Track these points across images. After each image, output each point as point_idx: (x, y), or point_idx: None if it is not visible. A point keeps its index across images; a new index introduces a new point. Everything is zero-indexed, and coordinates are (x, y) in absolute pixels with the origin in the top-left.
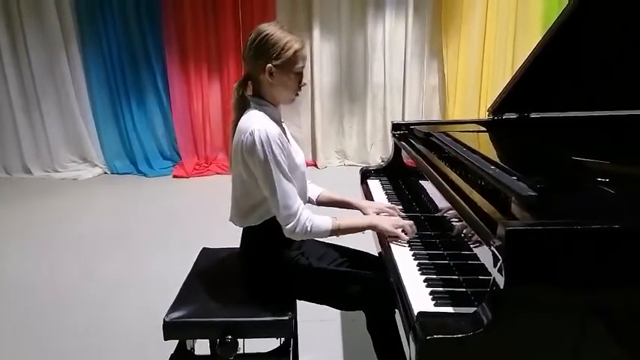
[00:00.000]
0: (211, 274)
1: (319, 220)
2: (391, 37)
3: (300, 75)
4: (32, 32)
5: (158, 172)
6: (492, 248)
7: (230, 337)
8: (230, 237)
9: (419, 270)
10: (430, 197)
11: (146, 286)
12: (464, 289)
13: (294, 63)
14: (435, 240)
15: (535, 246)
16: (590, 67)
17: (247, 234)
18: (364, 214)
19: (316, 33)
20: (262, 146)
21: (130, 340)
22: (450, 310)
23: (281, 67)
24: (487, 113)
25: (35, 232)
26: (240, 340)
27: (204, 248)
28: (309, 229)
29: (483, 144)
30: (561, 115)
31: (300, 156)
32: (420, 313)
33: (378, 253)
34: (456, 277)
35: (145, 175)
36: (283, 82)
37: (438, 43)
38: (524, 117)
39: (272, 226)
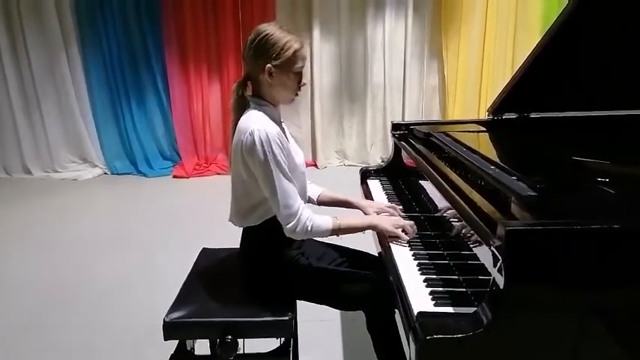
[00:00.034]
0: (211, 274)
1: (320, 219)
2: (391, 37)
3: (299, 75)
4: (32, 33)
5: (158, 173)
6: (492, 248)
7: (230, 337)
8: (230, 237)
9: (419, 270)
10: (430, 197)
11: (146, 286)
12: (464, 289)
13: (293, 63)
14: (434, 240)
15: (535, 246)
16: (589, 67)
17: (247, 234)
18: (365, 213)
19: (316, 33)
20: (262, 146)
21: (130, 341)
22: (449, 310)
23: (280, 67)
24: (487, 113)
25: (35, 233)
26: (240, 340)
27: (204, 248)
28: (309, 228)
29: (483, 144)
30: (561, 115)
31: (299, 156)
32: (420, 313)
33: (378, 253)
34: (456, 277)
35: (144, 175)
36: (283, 82)
37: (437, 44)
38: (524, 117)
39: (272, 226)
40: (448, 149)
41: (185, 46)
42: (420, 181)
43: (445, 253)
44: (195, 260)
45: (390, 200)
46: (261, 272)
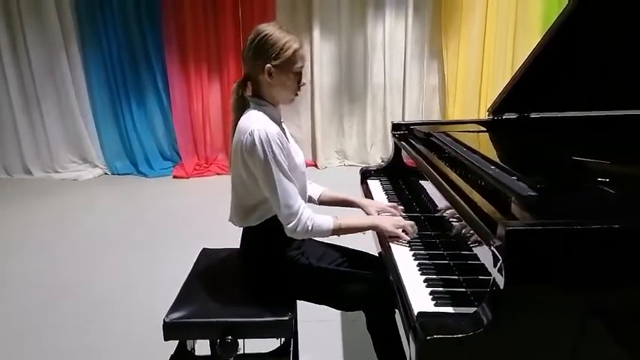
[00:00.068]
0: (211, 275)
1: (320, 219)
2: (391, 37)
3: (299, 75)
4: (32, 32)
5: (158, 173)
6: (492, 248)
7: (230, 337)
8: (230, 237)
9: (419, 270)
10: (430, 197)
11: (146, 286)
12: (464, 289)
13: (293, 63)
14: (435, 240)
15: (535, 246)
16: (589, 67)
17: (247, 234)
18: (366, 212)
19: (316, 33)
20: (262, 146)
21: (130, 341)
22: (450, 310)
23: (280, 67)
24: (487, 113)
25: (35, 233)
26: (240, 341)
27: (204, 249)
28: (310, 228)
29: (483, 144)
30: (561, 115)
31: (299, 156)
32: (420, 313)
33: (378, 253)
34: (456, 277)
35: (145, 175)
36: (282, 82)
37: (437, 44)
38: (524, 117)
39: (272, 226)
40: (448, 149)
41: (185, 45)
42: (420, 181)
43: (445, 253)
44: (195, 260)
45: (390, 200)
46: (261, 272)
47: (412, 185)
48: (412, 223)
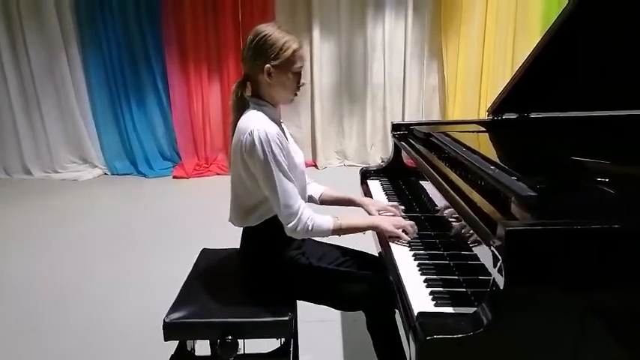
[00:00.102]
0: (211, 275)
1: (320, 219)
2: (391, 37)
3: (298, 75)
4: (32, 33)
5: (158, 173)
6: (492, 248)
7: (230, 337)
8: (230, 237)
9: (419, 270)
10: (430, 197)
11: (146, 286)
12: (464, 290)
13: (292, 63)
14: (435, 240)
15: (535, 246)
16: (589, 67)
17: (247, 234)
18: (367, 211)
19: (316, 33)
20: (262, 146)
21: (130, 341)
22: (450, 310)
23: (279, 67)
24: (487, 113)
25: (35, 233)
26: (240, 341)
27: (204, 249)
28: (310, 227)
29: (483, 144)
30: (561, 115)
31: (299, 156)
32: (420, 314)
33: (378, 253)
34: (456, 277)
35: (144, 175)
36: (282, 82)
37: (437, 44)
38: (524, 117)
39: (272, 226)
40: (448, 149)
41: (185, 46)
42: (420, 182)
43: (445, 253)
44: (195, 261)
45: (390, 200)
46: (261, 272)
47: (412, 185)
48: (412, 223)
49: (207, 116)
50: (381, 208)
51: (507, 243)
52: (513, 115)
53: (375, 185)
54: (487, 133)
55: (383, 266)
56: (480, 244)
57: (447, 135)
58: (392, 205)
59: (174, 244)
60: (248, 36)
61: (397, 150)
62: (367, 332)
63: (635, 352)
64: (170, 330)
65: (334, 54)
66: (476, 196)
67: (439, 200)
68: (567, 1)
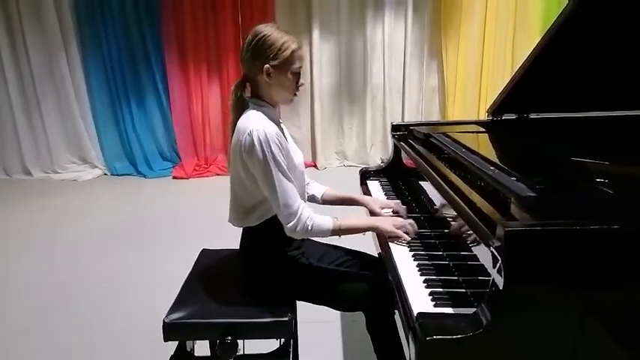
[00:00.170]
0: (211, 275)
1: (320, 219)
2: (390, 37)
3: (297, 75)
4: (32, 33)
5: (158, 174)
6: (492, 249)
7: (230, 338)
8: (229, 238)
9: (418, 271)
10: (430, 198)
11: (146, 287)
12: (463, 290)
13: (291, 63)
14: (434, 240)
15: (534, 246)
16: (589, 67)
17: (246, 234)
18: (370, 209)
19: (315, 34)
20: (261, 146)
21: (130, 342)
22: (449, 310)
23: (278, 68)
24: (486, 114)
25: (35, 234)
26: (240, 341)
27: (203, 249)
28: (309, 227)
29: (483, 145)
30: (560, 115)
31: (298, 156)
32: (420, 314)
33: (378, 254)
34: (456, 277)
35: (144, 176)
36: (281, 83)
37: (437, 44)
38: (524, 118)
39: (271, 227)
40: (448, 150)
41: (185, 46)
42: (419, 182)
43: (445, 253)
44: (194, 261)
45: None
46: (260, 273)
47: (412, 186)
48: (412, 221)
49: (207, 117)
50: (383, 205)
51: (507, 243)
52: (513, 116)
53: (374, 186)
54: (487, 134)
55: (382, 267)
56: (479, 243)
57: (447, 135)
58: (395, 203)
59: (173, 244)
60: (247, 37)
61: (397, 150)
62: (367, 333)
63: (635, 352)
64: (170, 330)
65: (334, 54)
66: (475, 197)
67: (439, 201)
68: (567, 1)
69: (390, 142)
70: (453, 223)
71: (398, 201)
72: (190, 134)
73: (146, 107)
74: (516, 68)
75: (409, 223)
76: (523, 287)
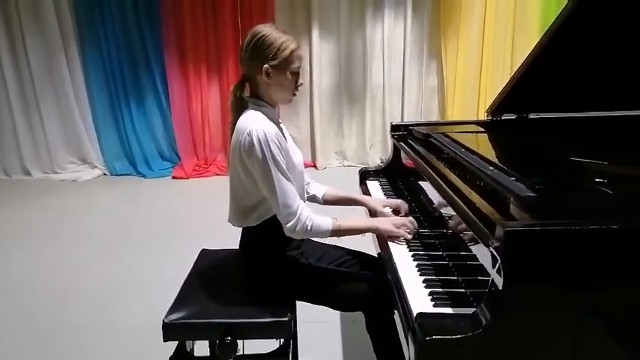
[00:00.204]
0: (210, 275)
1: (319, 219)
2: (390, 37)
3: (296, 75)
4: (31, 34)
5: (157, 174)
6: (491, 249)
7: (229, 338)
8: (229, 238)
9: (418, 271)
10: (429, 198)
11: (145, 287)
12: (463, 290)
13: (290, 63)
14: (434, 240)
15: (533, 247)
16: (588, 67)
17: (246, 234)
18: (372, 208)
19: (315, 34)
20: (260, 146)
21: (129, 342)
22: (449, 310)
23: (278, 67)
24: (486, 114)
25: (35, 233)
26: (239, 341)
27: (203, 249)
28: (309, 227)
29: (482, 145)
30: (560, 115)
31: (298, 156)
32: (419, 314)
33: (377, 254)
34: (455, 277)
35: (144, 176)
36: (280, 82)
37: (436, 44)
38: (523, 118)
39: (271, 227)
40: (447, 150)
41: (184, 47)
42: (419, 182)
43: (444, 253)
44: (194, 261)
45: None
46: (260, 273)
47: (411, 186)
48: (411, 219)
49: (207, 117)
50: (385, 204)
51: (506, 243)
52: (512, 116)
53: (374, 186)
54: (486, 134)
55: (382, 267)
56: (477, 242)
57: (446, 135)
58: (396, 203)
59: (173, 244)
60: (246, 37)
61: (396, 150)
62: (366, 333)
63: (634, 351)
64: (169, 330)
65: (333, 55)
66: (475, 197)
67: (438, 201)
68: (566, 2)
69: (390, 142)
70: (451, 222)
71: (400, 200)
72: (190, 134)
73: (145, 107)
74: (515, 68)
75: (409, 221)
76: (522, 287)
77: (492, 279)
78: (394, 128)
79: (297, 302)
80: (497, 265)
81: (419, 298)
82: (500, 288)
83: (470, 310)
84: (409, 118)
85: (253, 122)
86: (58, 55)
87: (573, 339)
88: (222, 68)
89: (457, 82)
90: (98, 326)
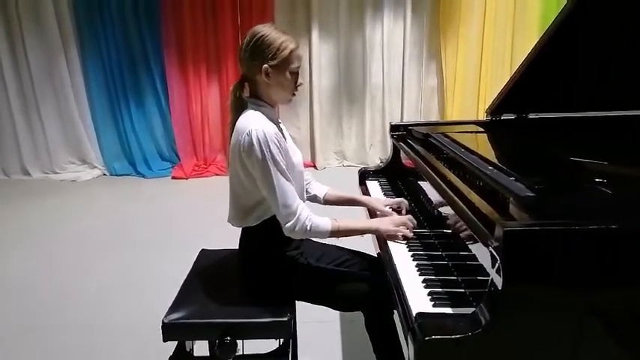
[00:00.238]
0: (210, 275)
1: (319, 220)
2: (389, 38)
3: (296, 75)
4: (31, 36)
5: (157, 174)
6: (490, 249)
7: (229, 338)
8: (229, 238)
9: (417, 271)
10: (429, 198)
11: (145, 287)
12: (462, 290)
13: (289, 63)
14: (433, 240)
15: (533, 246)
16: (588, 67)
17: (246, 234)
18: (373, 209)
19: (315, 34)
20: (260, 146)
21: (129, 342)
22: (448, 310)
23: (277, 67)
24: (485, 114)
25: (34, 234)
26: (239, 341)
27: (202, 249)
28: (308, 227)
29: (481, 145)
30: (559, 115)
31: (297, 155)
32: (419, 314)
33: (377, 254)
34: (455, 277)
35: (143, 176)
36: (280, 82)
37: (436, 44)
38: (523, 118)
39: (270, 227)
40: (447, 150)
41: (184, 47)
42: (418, 182)
43: (444, 253)
44: (194, 261)
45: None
46: (260, 273)
47: (411, 186)
48: (410, 217)
49: (206, 117)
50: (387, 204)
51: (505, 243)
52: (512, 116)
53: (373, 186)
54: (485, 134)
55: (381, 267)
56: (475, 241)
57: (446, 135)
58: (397, 202)
59: (173, 244)
60: (245, 37)
61: (396, 150)
62: (366, 333)
63: (634, 351)
64: (169, 330)
65: (333, 55)
66: (474, 197)
67: (437, 200)
68: (566, 2)
69: (389, 142)
70: (450, 221)
71: (401, 199)
72: (189, 134)
73: (145, 108)
74: (515, 68)
75: (408, 219)
76: (522, 287)
77: (492, 279)
78: (394, 128)
79: (297, 302)
80: (497, 265)
81: (418, 298)
82: (500, 288)
83: (469, 310)
84: (409, 118)
85: (253, 122)
86: (57, 56)
87: (572, 339)
88: (222, 68)
89: (457, 82)
90: (98, 326)
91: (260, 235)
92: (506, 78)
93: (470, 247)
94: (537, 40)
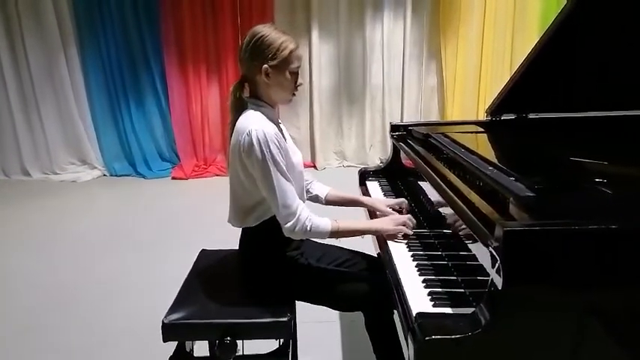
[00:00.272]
0: (210, 276)
1: (319, 220)
2: (389, 38)
3: (296, 75)
4: (31, 35)
5: (157, 174)
6: (490, 249)
7: (229, 338)
8: (229, 238)
9: (417, 271)
10: (429, 198)
11: (145, 287)
12: (462, 290)
13: (289, 63)
14: (433, 241)
15: (533, 246)
16: (588, 67)
17: (246, 235)
18: (374, 209)
19: (315, 35)
20: (260, 146)
21: (129, 342)
22: (448, 310)
23: (277, 68)
24: (485, 114)
25: (34, 234)
26: (239, 342)
27: (203, 250)
28: (308, 228)
29: (482, 145)
30: (559, 115)
31: (297, 156)
32: (419, 314)
33: (377, 254)
34: (455, 277)
35: (143, 176)
36: (280, 82)
37: (436, 44)
38: (523, 118)
39: (271, 227)
40: (447, 150)
41: (184, 47)
42: (418, 182)
43: (444, 253)
44: (194, 261)
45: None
46: (260, 273)
47: (411, 186)
48: (409, 216)
49: (206, 117)
50: (388, 205)
51: (505, 243)
52: (512, 116)
53: (373, 186)
54: (486, 134)
55: (381, 267)
56: (475, 241)
57: (446, 136)
58: (398, 202)
59: (173, 244)
60: (245, 37)
61: (396, 151)
62: (366, 333)
63: (634, 351)
64: (169, 331)
65: (333, 55)
66: (474, 197)
67: (437, 201)
68: (566, 2)
69: (389, 142)
70: (450, 220)
71: (402, 199)
72: (189, 135)
73: (145, 108)
74: (515, 68)
75: (408, 218)
76: (522, 287)
77: (492, 279)
78: (394, 128)
79: (297, 302)
80: (497, 265)
81: (418, 298)
82: (500, 288)
83: (469, 310)
84: (409, 118)
85: (253, 122)
86: (57, 55)
87: (572, 339)
88: (222, 68)
89: (457, 82)
90: (97, 326)
91: (260, 236)
92: (506, 78)
93: (470, 247)
94: (537, 40)
